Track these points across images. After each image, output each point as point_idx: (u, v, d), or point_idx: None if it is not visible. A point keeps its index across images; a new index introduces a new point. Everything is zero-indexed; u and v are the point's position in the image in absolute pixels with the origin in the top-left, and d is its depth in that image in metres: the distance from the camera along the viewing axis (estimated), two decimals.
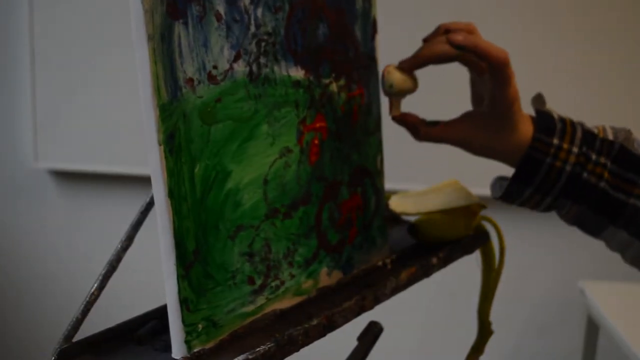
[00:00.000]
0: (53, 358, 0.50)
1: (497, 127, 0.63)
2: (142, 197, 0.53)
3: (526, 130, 0.64)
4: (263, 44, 0.55)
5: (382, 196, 0.71)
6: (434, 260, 0.70)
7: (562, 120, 0.64)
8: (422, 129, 0.66)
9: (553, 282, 1.79)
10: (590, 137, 0.63)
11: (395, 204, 0.78)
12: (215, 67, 0.51)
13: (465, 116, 0.66)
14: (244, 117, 0.53)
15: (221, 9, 0.51)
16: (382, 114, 0.70)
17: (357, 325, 0.64)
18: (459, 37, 0.61)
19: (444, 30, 0.64)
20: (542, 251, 1.77)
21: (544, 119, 0.64)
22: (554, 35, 1.64)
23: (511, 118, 0.63)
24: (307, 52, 0.59)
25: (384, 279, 0.65)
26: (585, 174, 0.62)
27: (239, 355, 0.51)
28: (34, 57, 1.74)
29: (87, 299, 0.53)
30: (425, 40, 0.65)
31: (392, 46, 1.51)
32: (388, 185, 0.72)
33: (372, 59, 0.69)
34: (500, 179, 0.68)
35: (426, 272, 0.70)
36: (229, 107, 0.52)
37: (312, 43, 0.60)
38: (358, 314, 0.61)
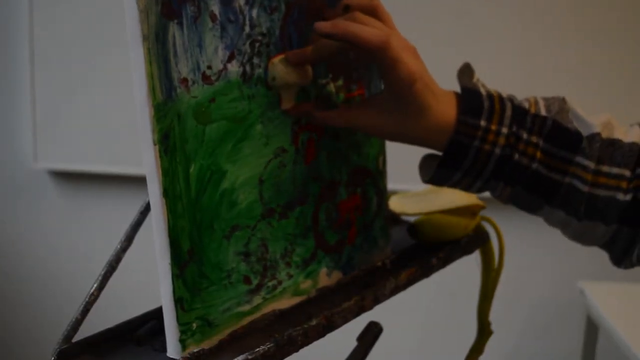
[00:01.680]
0: (52, 358, 0.50)
1: (402, 110, 0.57)
2: (141, 197, 0.53)
3: (447, 110, 0.58)
4: (257, 44, 0.55)
5: (384, 197, 0.71)
6: (434, 260, 0.70)
7: (490, 96, 0.58)
8: (317, 114, 0.59)
9: (552, 283, 1.79)
10: (520, 113, 0.58)
11: (395, 204, 0.78)
12: (209, 68, 0.51)
13: (370, 99, 0.60)
14: (238, 117, 0.54)
15: (216, 9, 0.51)
16: None
17: (357, 325, 0.64)
18: (326, 27, 0.54)
19: (342, 8, 0.58)
20: (541, 251, 1.77)
21: (469, 97, 0.58)
22: (554, 35, 1.64)
23: (415, 100, 0.56)
24: None
25: (383, 279, 0.65)
26: (516, 155, 0.58)
27: (238, 355, 0.51)
28: (33, 57, 1.74)
29: (87, 299, 0.53)
30: (318, 25, 0.57)
31: None
32: (388, 185, 0.72)
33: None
34: (428, 158, 0.62)
35: (426, 272, 0.70)
36: (223, 107, 0.52)
37: (308, 43, 0.60)
38: (357, 314, 0.61)
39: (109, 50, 1.69)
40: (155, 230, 0.48)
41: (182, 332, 0.50)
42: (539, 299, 1.75)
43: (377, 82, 0.69)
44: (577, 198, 0.59)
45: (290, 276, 0.59)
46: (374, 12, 0.58)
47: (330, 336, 0.59)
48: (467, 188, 0.61)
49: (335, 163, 0.64)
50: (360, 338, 0.63)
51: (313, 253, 0.62)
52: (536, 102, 0.60)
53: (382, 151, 0.70)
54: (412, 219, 0.76)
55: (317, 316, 0.57)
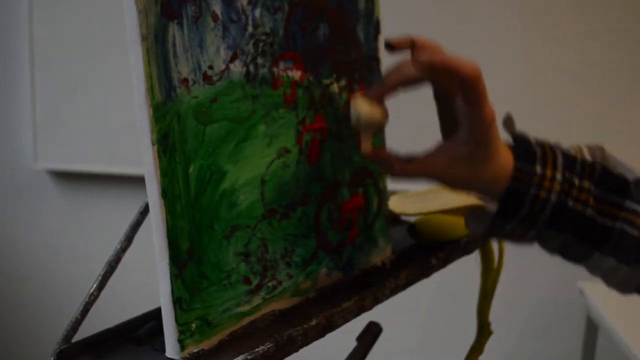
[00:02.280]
0: (52, 358, 0.50)
1: (477, 155, 0.57)
2: (141, 197, 0.53)
3: (506, 157, 0.57)
4: (261, 44, 0.55)
5: (385, 197, 0.71)
6: (434, 260, 0.70)
7: (541, 144, 0.59)
8: (396, 165, 0.58)
9: (552, 283, 1.79)
10: (570, 160, 0.58)
11: (395, 204, 0.78)
12: (211, 68, 0.51)
13: (441, 148, 0.59)
14: (241, 118, 0.53)
15: (218, 9, 0.51)
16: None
17: (357, 325, 0.64)
18: (425, 57, 0.55)
19: (410, 42, 0.59)
20: (541, 251, 1.77)
21: (522, 144, 0.58)
22: (554, 35, 1.64)
23: (491, 143, 0.57)
24: (307, 52, 0.59)
25: (383, 280, 0.65)
26: (570, 202, 0.57)
27: (238, 355, 0.51)
28: (33, 57, 1.74)
29: (87, 299, 0.53)
30: (388, 43, 0.59)
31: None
32: (388, 185, 0.72)
33: (375, 60, 0.68)
34: (474, 211, 0.62)
35: (425, 272, 0.70)
36: (225, 108, 0.52)
37: (312, 43, 0.60)
38: (357, 314, 0.61)
39: (109, 50, 1.69)
40: (154, 230, 0.48)
41: (180, 332, 0.50)
42: (539, 299, 1.75)
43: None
44: (629, 243, 0.58)
45: (290, 276, 0.59)
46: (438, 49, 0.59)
47: (330, 336, 0.59)
48: (519, 239, 0.60)
49: (339, 164, 0.64)
50: (360, 338, 0.63)
51: (313, 253, 0.62)
52: (580, 149, 0.60)
53: None
54: (412, 219, 0.76)
55: (317, 316, 0.57)
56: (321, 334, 0.57)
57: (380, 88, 0.57)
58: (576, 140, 1.68)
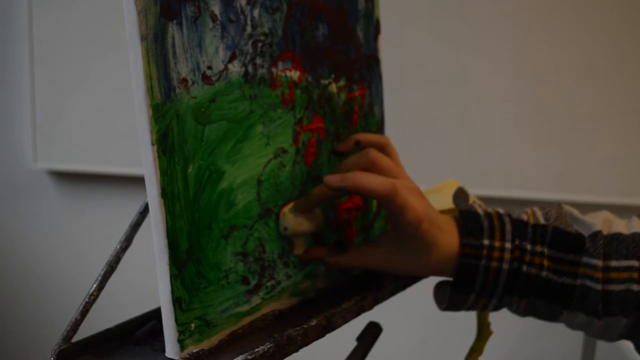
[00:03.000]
0: (52, 358, 0.50)
1: (411, 248, 0.59)
2: (141, 198, 0.53)
3: (451, 241, 0.59)
4: (259, 44, 0.55)
5: None
6: None
7: (488, 215, 0.61)
8: (328, 259, 0.61)
9: None
10: (520, 226, 0.60)
11: None
12: (209, 68, 0.51)
13: (378, 240, 0.62)
14: (239, 118, 0.53)
15: (216, 9, 0.51)
16: (386, 114, 0.70)
17: (357, 325, 0.64)
18: (335, 180, 0.57)
19: (353, 142, 0.62)
20: None
21: (468, 219, 0.60)
22: (555, 35, 1.64)
23: (422, 239, 0.58)
24: (305, 52, 0.59)
25: (383, 280, 0.65)
26: (524, 267, 0.59)
27: (238, 355, 0.51)
28: (33, 57, 1.73)
29: (86, 299, 0.53)
30: (334, 150, 0.63)
31: (393, 46, 1.51)
32: None
33: (375, 60, 0.68)
34: (441, 284, 0.63)
35: None
36: (223, 108, 0.52)
37: (311, 43, 0.60)
38: (357, 314, 0.61)
39: (109, 50, 1.69)
40: (154, 230, 0.48)
41: (180, 332, 0.50)
42: None
43: (377, 83, 0.69)
44: (593, 298, 0.59)
45: (289, 276, 0.59)
46: (383, 149, 0.62)
47: (330, 336, 0.59)
48: (484, 308, 0.62)
49: (336, 164, 0.64)
50: (360, 338, 0.63)
51: None
52: (534, 213, 0.61)
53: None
54: None
55: (317, 316, 0.57)
56: (321, 334, 0.57)
57: (305, 203, 0.59)
58: (577, 140, 1.69)
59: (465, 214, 0.61)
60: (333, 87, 0.63)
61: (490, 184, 1.61)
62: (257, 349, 0.51)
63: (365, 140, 0.62)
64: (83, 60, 1.73)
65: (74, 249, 1.89)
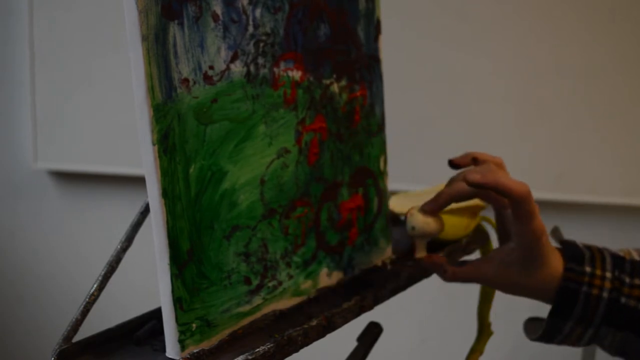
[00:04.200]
0: (53, 358, 0.50)
1: (527, 263, 0.61)
2: (141, 198, 0.53)
3: (556, 262, 0.61)
4: (261, 44, 0.55)
5: (386, 197, 0.71)
6: None
7: (589, 247, 0.63)
8: (449, 269, 0.64)
9: None
10: (619, 260, 0.62)
11: (395, 204, 0.78)
12: (211, 68, 0.51)
13: (494, 254, 0.64)
14: (241, 118, 0.53)
15: (218, 9, 0.51)
16: (386, 114, 0.70)
17: (357, 325, 0.64)
18: (476, 177, 0.59)
19: (471, 159, 0.64)
20: None
21: (570, 248, 0.63)
22: (555, 35, 1.64)
23: (540, 253, 0.61)
24: (307, 52, 0.59)
25: (383, 280, 0.65)
26: (623, 299, 0.60)
27: (238, 355, 0.51)
28: (33, 57, 1.73)
29: (87, 299, 0.53)
30: (451, 162, 0.64)
31: (393, 46, 1.51)
32: (389, 185, 0.72)
33: (375, 60, 0.68)
34: (531, 320, 0.66)
35: (426, 272, 0.70)
36: (225, 108, 0.52)
37: (312, 43, 0.60)
38: (358, 314, 0.61)
39: (109, 50, 1.69)
40: (155, 230, 0.48)
41: (181, 332, 0.50)
42: None
43: (378, 83, 0.69)
44: None
45: (290, 277, 0.59)
46: (500, 168, 0.63)
47: (330, 336, 0.59)
48: (577, 341, 0.64)
49: (338, 164, 0.64)
50: (361, 338, 0.63)
51: (314, 253, 0.62)
52: (629, 252, 0.63)
53: (383, 152, 0.70)
54: None
55: (317, 316, 0.57)
56: (321, 334, 0.57)
57: (434, 203, 0.63)
58: (577, 140, 1.69)
59: (567, 243, 0.63)
60: (335, 87, 0.63)
61: None
62: (258, 349, 0.51)
63: (481, 158, 0.64)
64: (83, 60, 1.73)
65: (74, 249, 1.89)
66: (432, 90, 1.60)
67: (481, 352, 0.76)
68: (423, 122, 1.59)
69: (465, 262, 0.65)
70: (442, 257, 0.65)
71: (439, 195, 0.63)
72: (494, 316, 0.77)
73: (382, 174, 0.70)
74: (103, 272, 0.53)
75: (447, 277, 0.65)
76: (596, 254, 0.62)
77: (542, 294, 0.63)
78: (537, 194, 1.69)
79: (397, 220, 0.79)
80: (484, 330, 0.77)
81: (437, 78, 1.61)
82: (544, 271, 0.61)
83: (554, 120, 1.66)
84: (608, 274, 0.61)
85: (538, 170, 1.63)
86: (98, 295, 0.53)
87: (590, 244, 0.64)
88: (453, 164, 0.65)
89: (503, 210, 0.65)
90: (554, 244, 0.64)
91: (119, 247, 0.54)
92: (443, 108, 1.60)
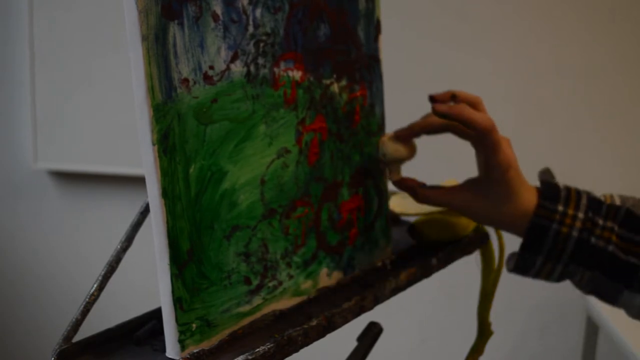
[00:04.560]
0: (52, 358, 0.50)
1: (495, 194, 0.64)
2: (141, 198, 0.53)
3: (530, 199, 0.63)
4: (262, 44, 0.55)
5: (385, 197, 0.71)
6: (434, 260, 0.70)
7: (567, 188, 0.64)
8: (419, 191, 0.66)
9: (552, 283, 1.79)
10: (596, 203, 0.63)
11: (395, 204, 0.78)
12: (211, 68, 0.51)
13: (466, 183, 0.66)
14: (241, 118, 0.53)
15: (218, 9, 0.51)
16: (386, 114, 0.70)
17: (357, 325, 0.64)
18: (443, 107, 0.62)
19: (450, 95, 0.65)
20: None
21: (548, 188, 0.64)
22: (556, 35, 1.64)
23: (507, 185, 0.63)
24: (307, 52, 0.59)
25: (383, 280, 0.65)
26: (593, 239, 0.62)
27: (238, 355, 0.51)
28: (33, 57, 1.73)
29: (87, 299, 0.52)
30: (431, 97, 0.66)
31: (393, 46, 1.51)
32: (388, 186, 0.72)
33: (375, 60, 0.68)
34: (513, 254, 0.68)
35: (426, 272, 0.70)
36: (225, 108, 0.52)
37: (312, 43, 0.60)
38: (358, 314, 0.61)
39: (109, 50, 1.69)
40: (155, 230, 0.48)
41: (181, 332, 0.50)
42: (539, 299, 1.75)
43: (378, 83, 0.69)
44: None
45: (290, 277, 0.59)
46: (476, 106, 0.65)
47: (330, 336, 0.59)
48: (548, 275, 0.65)
49: (338, 164, 0.64)
50: (360, 338, 0.63)
51: (314, 254, 0.62)
52: (612, 197, 0.65)
53: None
54: (412, 219, 0.76)
55: (317, 316, 0.57)
56: (321, 334, 0.57)
57: (405, 130, 0.66)
58: (577, 140, 1.69)
59: (547, 183, 0.65)
60: (335, 87, 0.63)
61: None
62: (258, 349, 0.51)
63: (460, 95, 0.65)
64: (83, 60, 1.73)
65: (74, 249, 1.89)
66: (432, 90, 1.60)
67: (481, 352, 0.76)
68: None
69: (437, 186, 0.67)
70: (414, 179, 0.67)
71: (412, 124, 0.65)
72: (494, 316, 0.77)
73: (382, 174, 0.70)
74: (103, 272, 0.53)
75: (419, 199, 0.67)
76: (573, 195, 0.64)
77: (513, 228, 0.65)
78: None
79: (397, 220, 0.79)
80: (484, 330, 0.77)
81: (437, 78, 1.61)
82: (513, 205, 0.63)
83: (554, 120, 1.66)
84: (580, 215, 0.62)
85: (538, 170, 1.63)
86: (98, 295, 0.53)
87: (575, 186, 0.65)
88: (433, 98, 0.66)
89: (472, 144, 0.66)
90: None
91: (118, 247, 0.54)
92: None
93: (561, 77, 1.65)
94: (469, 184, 0.66)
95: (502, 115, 1.68)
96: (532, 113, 1.65)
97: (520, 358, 1.80)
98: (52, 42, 1.73)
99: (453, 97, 0.65)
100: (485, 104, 0.66)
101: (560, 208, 0.63)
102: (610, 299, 0.65)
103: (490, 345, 0.77)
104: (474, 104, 0.65)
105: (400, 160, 0.66)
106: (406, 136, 0.66)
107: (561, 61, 1.64)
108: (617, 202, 0.64)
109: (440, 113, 0.62)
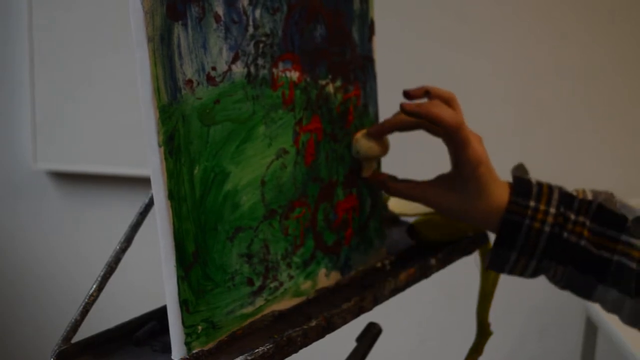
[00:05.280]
0: (52, 359, 0.50)
1: (466, 190, 0.64)
2: (141, 198, 0.53)
3: (502, 195, 0.63)
4: (261, 45, 0.55)
5: (379, 197, 0.71)
6: (433, 261, 0.70)
7: (540, 184, 0.65)
8: (390, 185, 0.66)
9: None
10: (567, 198, 0.63)
11: (395, 204, 0.78)
12: (214, 69, 0.51)
13: (438, 179, 0.66)
14: (242, 119, 0.53)
15: (220, 10, 0.51)
16: (386, 115, 0.70)
17: (357, 326, 0.64)
18: (411, 106, 0.62)
19: (424, 92, 0.65)
20: None
21: (519, 183, 0.64)
22: (556, 35, 1.64)
23: (477, 181, 0.63)
24: (304, 53, 0.59)
25: (382, 280, 0.65)
26: (565, 234, 0.62)
27: (238, 356, 0.51)
28: (33, 57, 1.73)
29: (86, 300, 0.53)
30: (405, 92, 0.66)
31: (393, 47, 1.51)
32: None
33: (369, 60, 0.69)
34: (490, 251, 0.67)
35: (425, 273, 0.70)
36: (227, 109, 0.52)
37: (309, 44, 0.60)
38: (357, 315, 0.61)
39: (109, 50, 1.69)
40: (161, 232, 0.48)
41: (187, 334, 0.49)
42: (538, 300, 1.75)
43: (372, 83, 0.69)
44: (628, 275, 0.61)
45: (291, 277, 0.59)
46: (450, 103, 0.65)
47: (329, 337, 0.59)
48: (523, 271, 0.65)
49: (333, 164, 0.64)
50: (360, 339, 0.63)
51: (312, 254, 0.62)
52: (584, 191, 0.65)
53: None
54: (411, 219, 0.76)
55: (317, 317, 0.57)
56: (321, 335, 0.57)
57: (378, 127, 0.66)
58: (577, 140, 1.69)
59: (518, 179, 0.65)
60: (330, 88, 0.63)
61: None
62: (257, 350, 0.51)
63: (434, 91, 0.65)
64: (83, 60, 1.73)
65: (74, 249, 1.89)
66: None
67: (481, 353, 0.76)
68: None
69: (408, 180, 0.67)
70: (384, 174, 0.67)
71: (383, 121, 0.65)
72: (493, 317, 0.77)
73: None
74: (102, 273, 0.53)
75: (390, 192, 0.67)
76: (544, 190, 0.64)
77: (486, 224, 0.65)
78: None
79: (396, 220, 0.79)
80: (483, 331, 0.77)
81: (437, 79, 1.60)
82: (485, 202, 0.63)
83: (553, 121, 1.66)
84: (552, 210, 0.63)
85: (538, 171, 1.63)
86: (97, 296, 0.53)
87: (547, 182, 0.65)
88: (407, 94, 0.66)
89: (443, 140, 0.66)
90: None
91: (117, 247, 0.54)
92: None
93: (561, 78, 1.65)
94: (442, 179, 0.66)
95: (501, 116, 1.68)
96: (531, 114, 1.65)
97: (519, 358, 1.80)
98: (52, 42, 1.73)
99: (427, 93, 0.65)
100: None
101: (532, 203, 0.63)
102: (585, 293, 0.65)
103: (490, 346, 0.77)
104: (448, 100, 0.65)
105: (374, 157, 0.66)
106: (379, 133, 0.66)
107: (561, 62, 1.64)
108: (589, 196, 0.64)
109: (407, 111, 0.62)
